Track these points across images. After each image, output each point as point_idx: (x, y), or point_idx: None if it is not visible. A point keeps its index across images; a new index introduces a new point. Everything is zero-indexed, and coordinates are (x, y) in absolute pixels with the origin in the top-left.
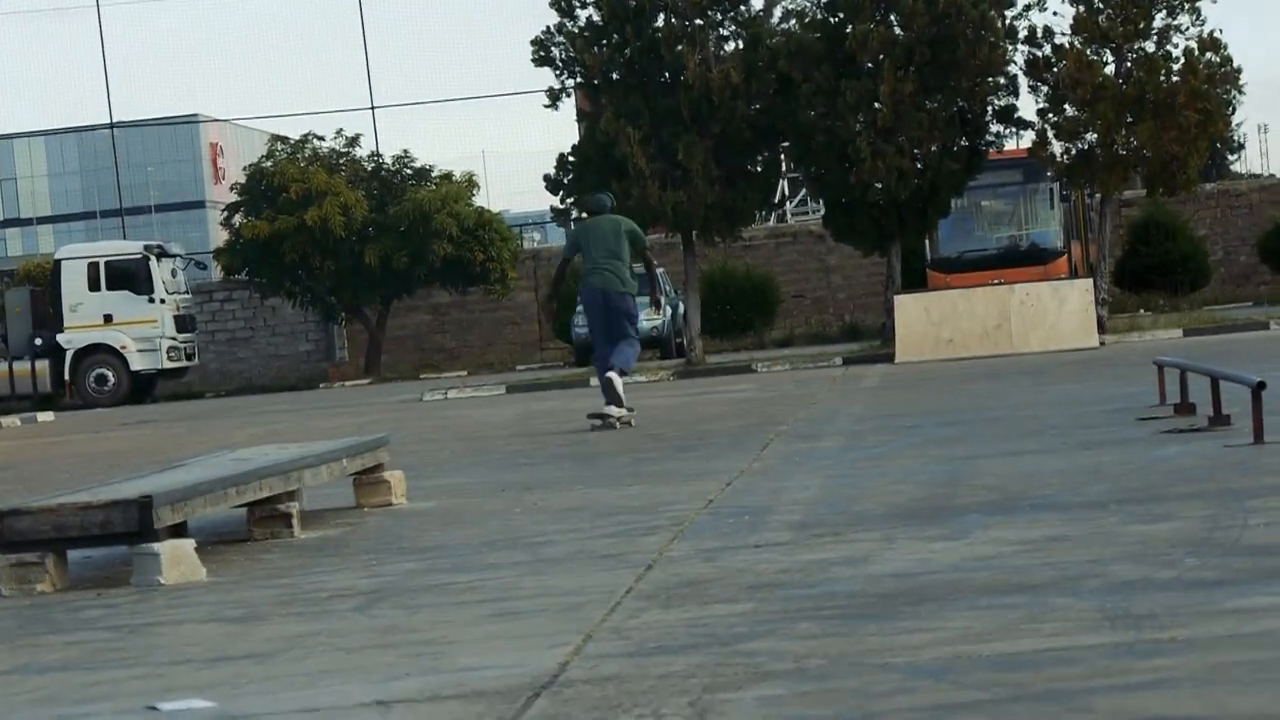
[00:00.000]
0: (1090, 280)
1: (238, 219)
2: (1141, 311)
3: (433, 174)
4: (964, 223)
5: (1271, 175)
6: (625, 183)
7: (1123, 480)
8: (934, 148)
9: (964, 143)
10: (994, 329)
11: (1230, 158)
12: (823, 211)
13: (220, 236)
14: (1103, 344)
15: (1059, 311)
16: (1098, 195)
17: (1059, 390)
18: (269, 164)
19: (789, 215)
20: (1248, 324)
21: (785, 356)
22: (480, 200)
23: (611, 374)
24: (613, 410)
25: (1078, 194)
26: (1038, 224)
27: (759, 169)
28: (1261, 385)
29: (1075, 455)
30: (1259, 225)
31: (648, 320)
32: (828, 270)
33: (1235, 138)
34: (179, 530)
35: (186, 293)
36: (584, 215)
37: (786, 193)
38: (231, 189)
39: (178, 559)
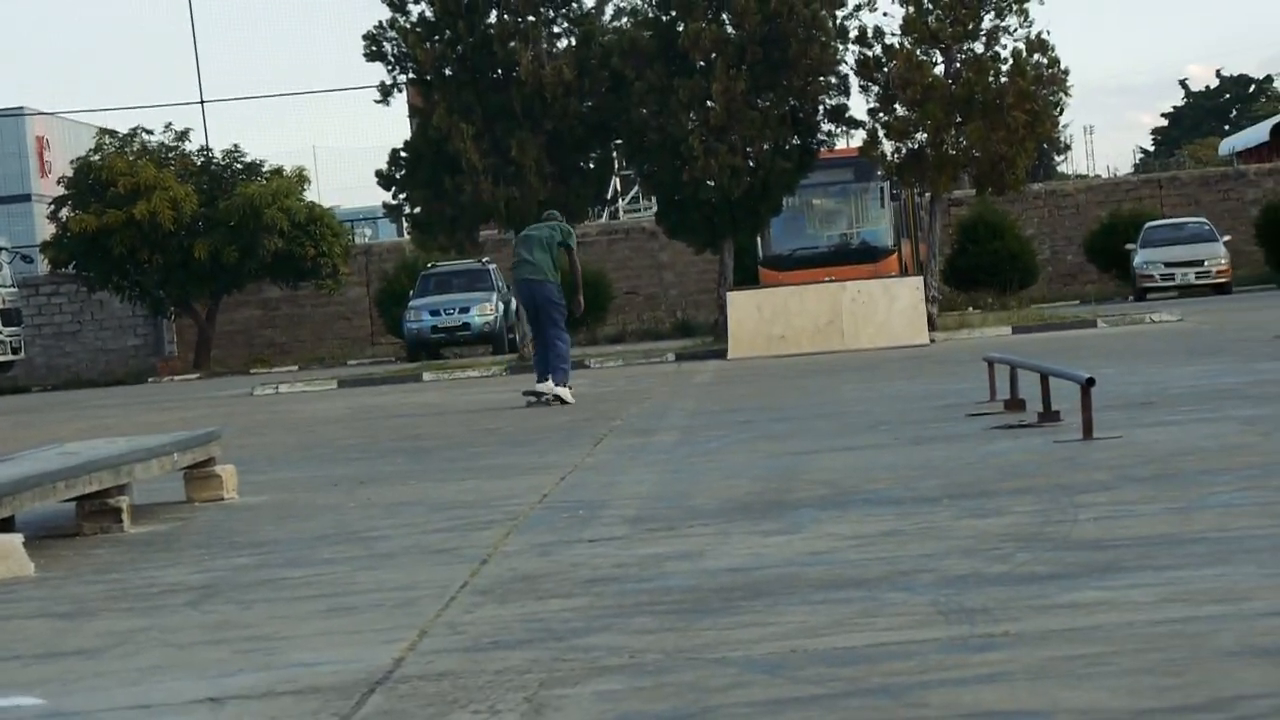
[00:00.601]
0: (920, 278)
1: (65, 213)
2: (971, 309)
3: (263, 169)
4: (796, 220)
5: (1097, 176)
6: (458, 179)
7: (954, 475)
8: (766, 146)
9: (795, 141)
10: (826, 326)
11: (1057, 158)
12: (655, 209)
13: (47, 230)
14: (933, 341)
15: (890, 309)
16: (927, 194)
17: (890, 386)
18: (97, 158)
19: (622, 212)
20: (1075, 321)
21: (618, 353)
22: (311, 195)
23: (551, 391)
24: (544, 387)
25: (908, 193)
26: (868, 222)
27: (591, 166)
28: (1090, 382)
29: (907, 450)
30: (1085, 225)
31: (480, 316)
32: (660, 267)
33: (1062, 139)
34: (6, 525)
35: (13, 286)
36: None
37: (619, 190)
38: (59, 183)
39: (4, 554)
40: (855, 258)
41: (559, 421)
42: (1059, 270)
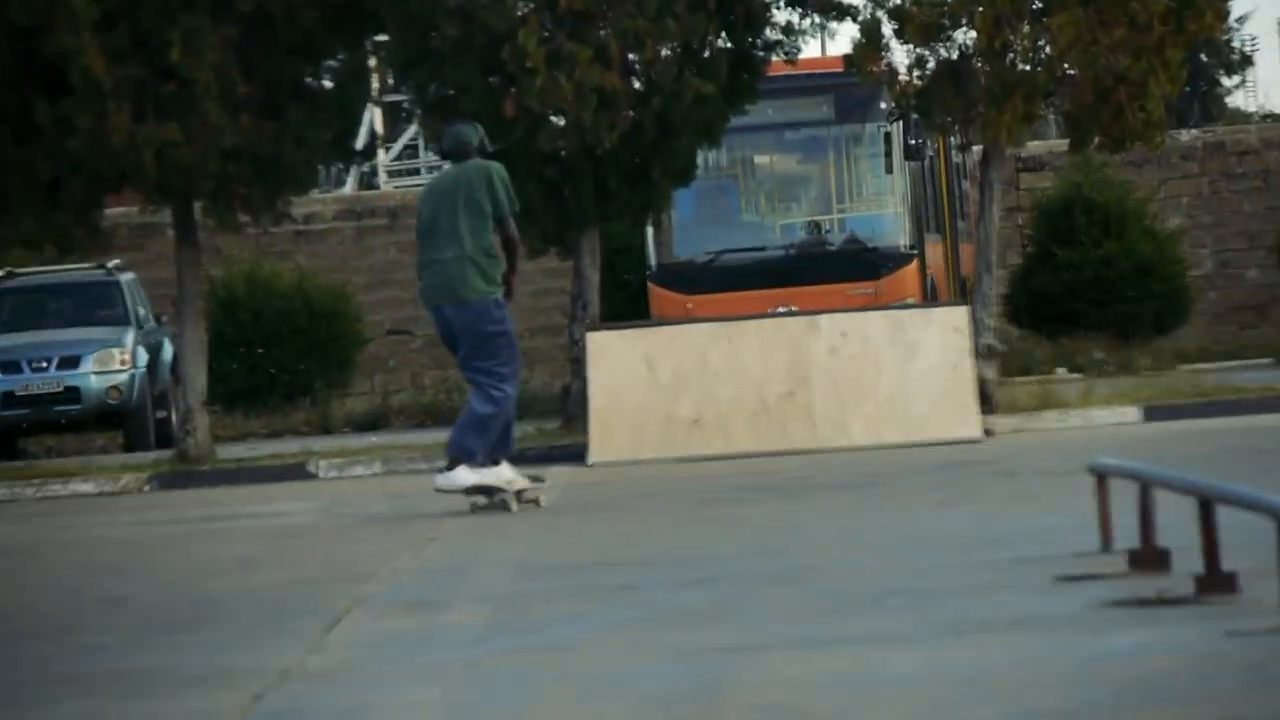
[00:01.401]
0: (964, 309)
1: None
2: (1060, 371)
3: None
4: (721, 196)
5: None
6: (60, 105)
7: (1035, 704)
8: (666, 50)
9: (724, 43)
10: (780, 401)
11: (1228, 81)
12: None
13: None
14: (989, 434)
15: (903, 369)
16: (976, 148)
17: (908, 521)
18: None
19: (382, 173)
20: (1268, 397)
21: (374, 448)
22: None
23: (451, 485)
24: (444, 481)
25: (938, 145)
26: (862, 200)
27: (328, 84)
28: None
29: (940, 649)
30: None
31: (100, 374)
32: None
33: (1236, 43)
34: None
35: None
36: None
37: (380, 132)
38: None
39: None
40: (837, 269)
41: (258, 585)
42: (1234, 296)
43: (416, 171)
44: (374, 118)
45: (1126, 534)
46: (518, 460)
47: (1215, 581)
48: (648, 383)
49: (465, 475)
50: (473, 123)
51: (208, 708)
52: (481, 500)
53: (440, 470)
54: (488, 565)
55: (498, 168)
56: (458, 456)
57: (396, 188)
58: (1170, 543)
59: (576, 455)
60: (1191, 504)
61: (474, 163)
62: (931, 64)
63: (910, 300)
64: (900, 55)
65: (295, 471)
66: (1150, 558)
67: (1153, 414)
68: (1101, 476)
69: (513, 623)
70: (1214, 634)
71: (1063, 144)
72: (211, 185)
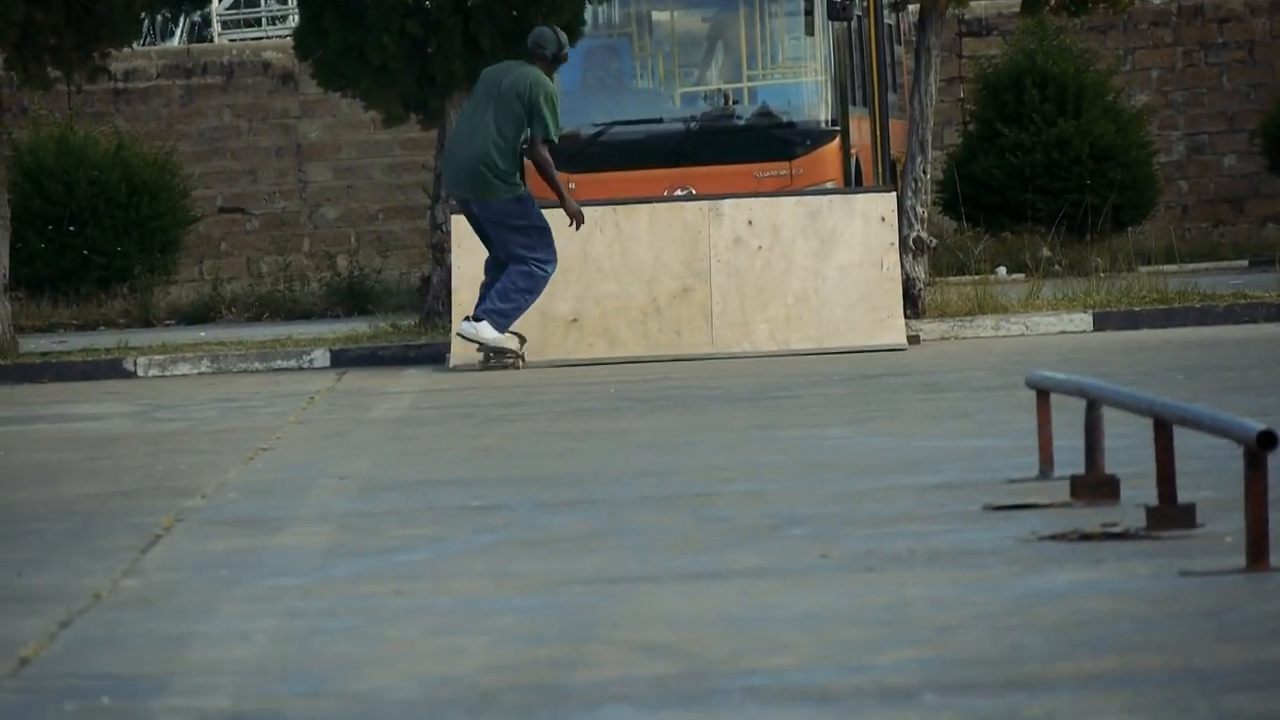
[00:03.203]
0: (891, 196)
1: None
2: (1001, 270)
3: None
4: (612, 57)
5: None
6: None
7: (955, 645)
8: None
9: None
10: (673, 299)
11: None
12: (294, 18)
13: None
14: (915, 340)
15: (818, 264)
16: (913, 9)
17: (817, 440)
18: None
19: (216, 23)
20: (1237, 305)
21: (201, 344)
22: None
23: (477, 337)
24: (468, 329)
25: (869, 4)
26: (776, 67)
27: None
28: (1268, 440)
29: (846, 584)
30: (1267, 83)
31: None
32: (302, 153)
33: None
34: None
35: None
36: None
37: None
38: None
39: None
40: (745, 147)
41: (66, 497)
42: (1207, 187)
43: (257, 22)
44: None
45: (1070, 458)
46: (366, 362)
47: (1170, 514)
48: None
49: (489, 331)
50: (559, 30)
51: (7, 634)
52: (493, 359)
53: (467, 318)
54: (330, 480)
55: (551, 89)
56: (485, 316)
57: (232, 40)
58: (1120, 469)
59: (436, 357)
60: (1145, 425)
61: (533, 71)
62: None
63: (830, 184)
64: None
65: (110, 368)
66: (1096, 485)
67: (1105, 321)
68: (1042, 392)
69: (357, 546)
70: (1166, 573)
71: (1014, 4)
72: (15, 34)
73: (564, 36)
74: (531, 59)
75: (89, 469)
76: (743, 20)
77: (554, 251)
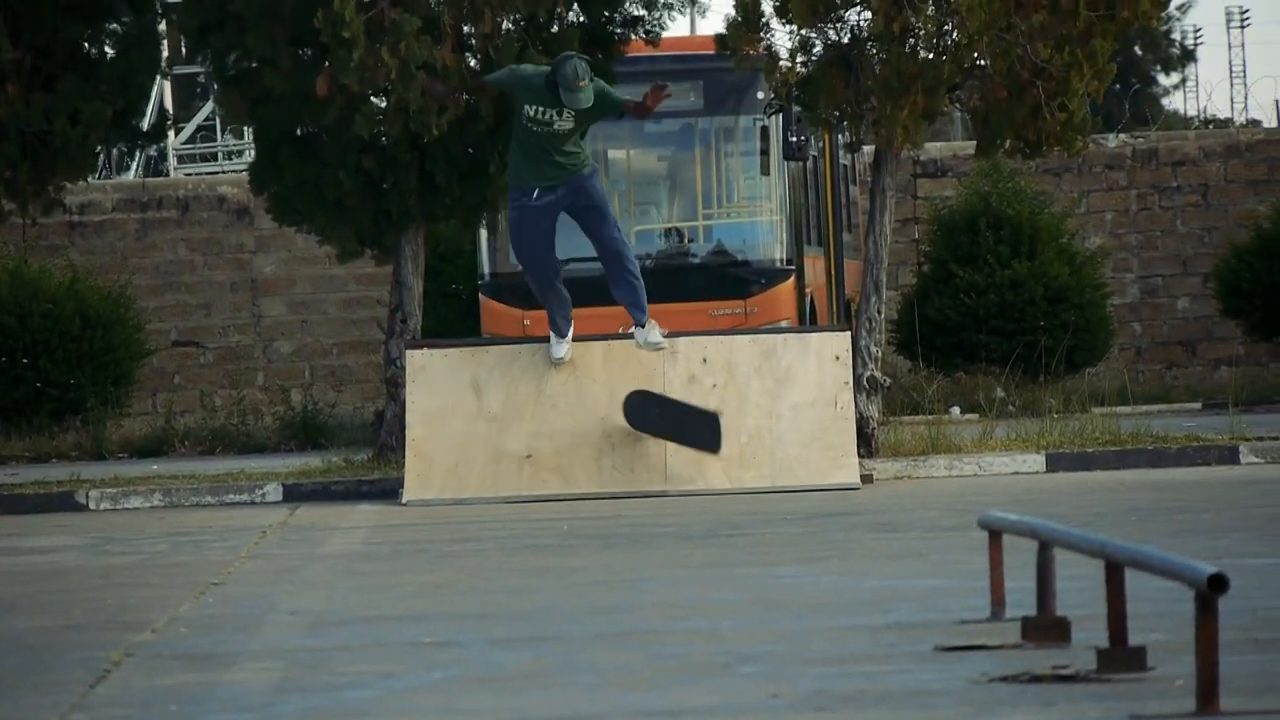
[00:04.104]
0: (845, 335)
1: None
2: (955, 411)
3: None
4: None
5: (1251, 123)
6: None
7: None
8: (507, 23)
9: (575, 15)
10: (629, 436)
11: (1165, 80)
12: (250, 154)
13: None
14: (868, 480)
15: (773, 403)
16: (868, 150)
17: (770, 578)
18: None
19: (172, 157)
20: (1190, 447)
21: (154, 478)
22: None
23: (647, 336)
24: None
25: (824, 145)
26: (732, 206)
27: (110, 50)
28: (1218, 584)
29: None
30: (1222, 230)
31: None
32: (257, 287)
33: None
34: None
35: None
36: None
37: (170, 110)
38: None
39: None
40: (700, 285)
41: (14, 630)
42: (1161, 330)
43: (213, 156)
44: (164, 93)
45: (1021, 599)
46: (319, 497)
47: (1121, 656)
48: (474, 411)
49: (655, 331)
50: (566, 62)
51: None
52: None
53: (637, 328)
54: (281, 616)
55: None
56: (643, 318)
57: (188, 174)
58: (1071, 611)
59: (389, 492)
60: (1097, 567)
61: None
62: (818, 48)
63: (785, 323)
64: (782, 37)
65: (62, 501)
66: (1047, 627)
67: (1058, 462)
68: (994, 533)
69: (307, 683)
70: (1116, 717)
71: (969, 146)
72: None
73: (568, 69)
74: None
75: (39, 602)
76: (699, 159)
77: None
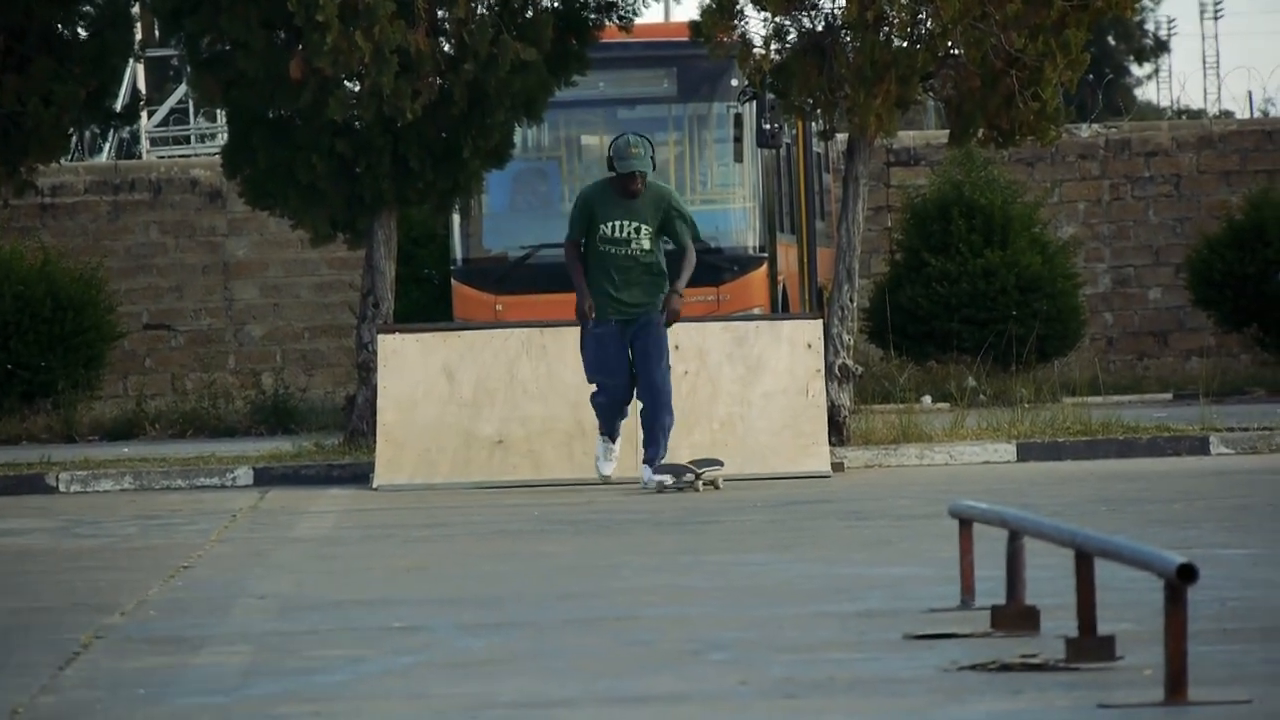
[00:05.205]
0: (818, 323)
1: None
2: (926, 399)
3: None
4: (540, 181)
5: (1224, 114)
6: None
7: None
8: (481, 8)
9: (550, 1)
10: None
11: (1137, 71)
12: (223, 137)
13: None
14: (839, 467)
15: (744, 390)
16: (842, 138)
17: (740, 565)
18: None
19: (145, 140)
20: (1160, 438)
21: (124, 460)
22: None
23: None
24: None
25: (798, 132)
26: (705, 193)
27: (83, 33)
28: (1187, 574)
29: (766, 711)
30: (1194, 220)
31: None
32: (229, 270)
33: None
34: None
35: None
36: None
37: (143, 92)
38: None
39: None
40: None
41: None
42: (1133, 320)
43: (185, 139)
44: (136, 75)
45: (991, 588)
46: (290, 481)
47: (1090, 645)
48: (446, 396)
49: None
50: (622, 141)
51: None
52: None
53: (645, 464)
54: (250, 599)
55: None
56: (655, 451)
57: (161, 157)
58: (1041, 600)
59: (360, 476)
60: (1067, 557)
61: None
62: (792, 36)
63: (757, 310)
64: (756, 24)
65: (32, 484)
66: (1017, 616)
67: (1028, 452)
68: (965, 522)
69: (275, 666)
70: (1084, 705)
71: (942, 135)
72: None
73: (623, 147)
74: (632, 156)
75: (8, 585)
76: (671, 144)
77: (589, 372)
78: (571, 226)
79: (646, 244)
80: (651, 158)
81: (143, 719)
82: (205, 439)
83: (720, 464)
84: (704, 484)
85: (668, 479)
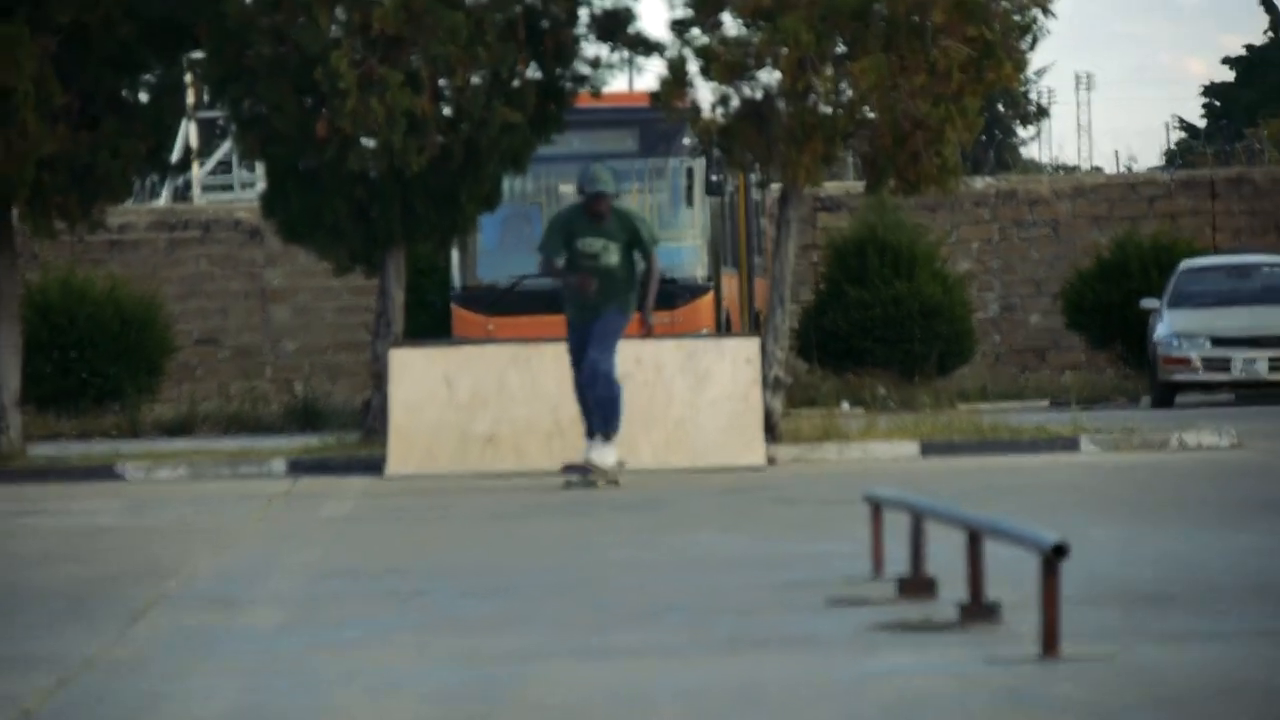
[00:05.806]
0: (755, 342)
1: None
2: (844, 405)
3: None
4: (525, 223)
5: (1095, 169)
6: None
7: (804, 716)
8: (476, 78)
9: (534, 74)
10: (573, 422)
11: (1023, 132)
12: (261, 185)
13: None
14: (773, 461)
15: (694, 397)
16: (775, 186)
17: (690, 542)
18: None
19: (196, 187)
20: (1040, 439)
21: (180, 453)
22: None
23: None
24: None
25: (739, 183)
26: (663, 232)
27: (144, 98)
28: (1060, 551)
29: (714, 663)
30: (1068, 258)
31: None
32: (266, 295)
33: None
34: None
35: None
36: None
37: (194, 147)
38: None
39: None
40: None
41: (64, 577)
42: (1016, 340)
43: (229, 187)
44: (189, 132)
45: (897, 562)
46: (317, 470)
47: (979, 610)
48: (446, 400)
49: (610, 453)
50: (590, 170)
51: (13, 690)
52: (574, 477)
53: (589, 438)
54: (285, 569)
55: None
56: (603, 426)
57: (209, 202)
58: (938, 572)
59: (375, 466)
60: (961, 536)
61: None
62: (735, 102)
63: (704, 331)
64: (705, 93)
65: (103, 472)
66: (919, 585)
67: (930, 449)
68: (876, 506)
69: (307, 622)
70: (975, 659)
71: (859, 185)
72: (28, 193)
73: (589, 173)
74: (602, 189)
75: (84, 556)
76: (634, 192)
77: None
78: (547, 245)
79: (615, 259)
80: (614, 183)
81: (198, 666)
82: (247, 436)
83: (623, 463)
84: (606, 482)
85: (575, 477)
